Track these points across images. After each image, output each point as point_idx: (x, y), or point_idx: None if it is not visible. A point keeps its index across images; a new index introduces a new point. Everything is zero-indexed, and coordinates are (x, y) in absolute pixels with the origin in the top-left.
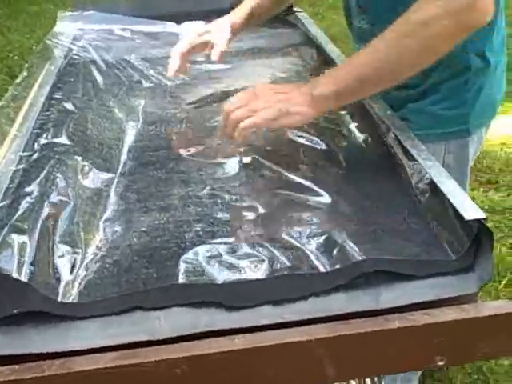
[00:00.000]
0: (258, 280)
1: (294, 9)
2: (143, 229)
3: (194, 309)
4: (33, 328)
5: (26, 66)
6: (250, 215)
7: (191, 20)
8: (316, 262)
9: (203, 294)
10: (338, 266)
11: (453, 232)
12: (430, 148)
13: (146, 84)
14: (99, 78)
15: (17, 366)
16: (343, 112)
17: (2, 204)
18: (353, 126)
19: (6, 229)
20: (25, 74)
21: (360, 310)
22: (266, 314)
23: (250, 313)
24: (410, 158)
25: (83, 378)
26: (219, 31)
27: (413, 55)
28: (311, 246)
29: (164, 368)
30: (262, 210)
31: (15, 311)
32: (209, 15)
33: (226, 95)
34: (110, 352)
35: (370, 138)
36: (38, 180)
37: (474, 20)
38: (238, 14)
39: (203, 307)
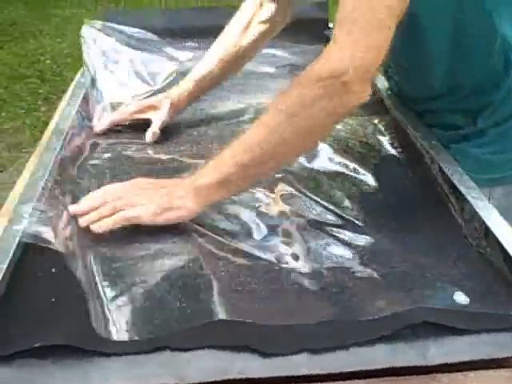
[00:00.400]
0: (297, 325)
1: (330, 24)
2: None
3: (226, 352)
4: (54, 363)
5: None
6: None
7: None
8: (359, 308)
9: (237, 337)
10: (382, 314)
11: (509, 282)
12: None
13: None
14: None
15: None
16: (384, 138)
17: None
18: (395, 152)
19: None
20: None
21: (405, 365)
22: (304, 364)
23: (286, 361)
24: (460, 195)
25: None
26: (156, 110)
27: (294, 138)
28: (355, 289)
29: None
30: (304, 248)
31: (36, 345)
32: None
33: (258, 112)
34: None
35: (414, 169)
36: None
37: (350, 102)
38: (180, 90)
39: (236, 351)
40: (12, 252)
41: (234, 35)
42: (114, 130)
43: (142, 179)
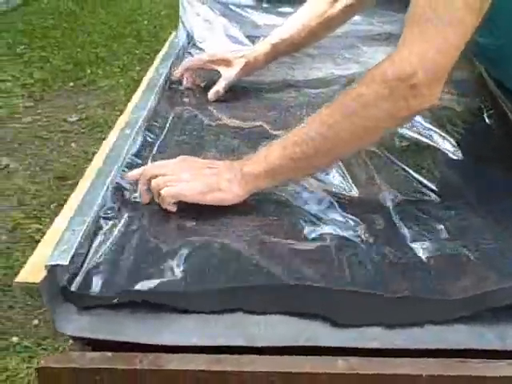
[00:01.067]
0: (371, 295)
1: None
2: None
3: (297, 319)
4: (130, 315)
5: None
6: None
7: None
8: (441, 284)
9: (311, 304)
10: (463, 295)
11: None
12: None
13: None
14: None
15: (110, 354)
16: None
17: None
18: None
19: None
20: None
21: (481, 348)
22: (376, 337)
23: (358, 333)
24: None
25: (173, 378)
26: (228, 67)
27: (350, 137)
28: (437, 264)
29: (257, 380)
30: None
31: (115, 301)
32: None
33: (350, 80)
34: (203, 354)
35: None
36: None
37: (416, 106)
38: (257, 52)
39: (308, 319)
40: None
41: (321, 4)
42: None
43: (192, 157)
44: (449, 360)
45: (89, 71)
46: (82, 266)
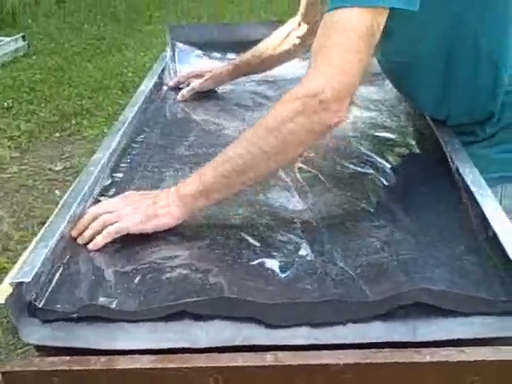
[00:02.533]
0: (301, 302)
1: None
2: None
3: (234, 323)
4: (88, 325)
5: None
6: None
7: None
8: (363, 289)
9: (246, 311)
10: (379, 298)
11: (506, 273)
12: None
13: None
14: None
15: (68, 358)
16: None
17: None
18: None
19: None
20: None
21: (395, 340)
22: (302, 335)
23: (287, 332)
24: (470, 194)
25: (123, 376)
26: (198, 79)
27: (274, 151)
28: (361, 273)
29: (197, 375)
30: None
31: (74, 315)
32: None
33: None
34: (149, 355)
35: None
36: None
37: (327, 120)
38: (222, 69)
39: (244, 322)
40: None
41: (275, 41)
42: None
43: (132, 192)
44: (363, 350)
45: (74, 122)
46: (45, 283)
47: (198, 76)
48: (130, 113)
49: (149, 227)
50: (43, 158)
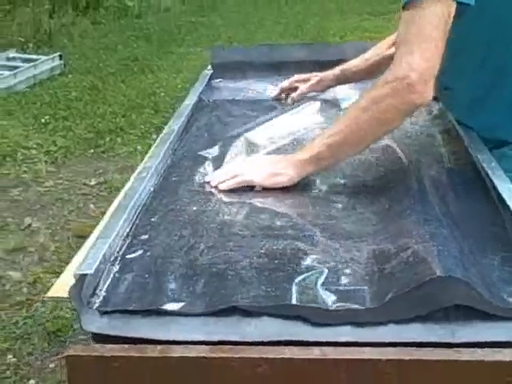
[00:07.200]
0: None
1: None
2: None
3: (282, 319)
4: (143, 317)
5: None
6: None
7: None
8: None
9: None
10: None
11: None
12: None
13: None
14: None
15: (126, 346)
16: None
17: None
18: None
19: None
20: None
21: (434, 340)
22: (346, 333)
23: (331, 330)
24: (503, 202)
25: (178, 364)
26: (306, 81)
27: (368, 127)
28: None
29: (247, 365)
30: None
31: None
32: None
33: None
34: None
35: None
36: None
37: (413, 100)
38: (329, 73)
39: (290, 319)
40: None
41: (381, 48)
42: None
43: (259, 156)
44: (404, 348)
45: (108, 139)
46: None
47: (304, 81)
48: (175, 125)
49: (269, 183)
50: (78, 173)
